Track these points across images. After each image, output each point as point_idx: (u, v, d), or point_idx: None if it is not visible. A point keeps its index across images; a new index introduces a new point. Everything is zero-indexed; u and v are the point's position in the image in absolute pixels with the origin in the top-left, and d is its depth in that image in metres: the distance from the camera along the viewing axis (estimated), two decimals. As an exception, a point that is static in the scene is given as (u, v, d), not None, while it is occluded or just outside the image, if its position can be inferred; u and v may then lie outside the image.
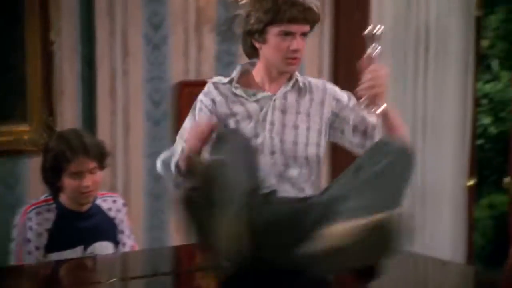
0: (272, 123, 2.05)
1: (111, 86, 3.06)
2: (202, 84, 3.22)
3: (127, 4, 3.06)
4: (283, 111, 2.06)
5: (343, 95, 2.13)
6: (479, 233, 5.46)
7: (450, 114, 3.56)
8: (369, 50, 1.96)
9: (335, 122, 2.11)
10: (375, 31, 1.95)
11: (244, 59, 3.27)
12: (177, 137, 2.13)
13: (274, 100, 2.07)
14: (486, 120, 5.76)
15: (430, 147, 3.52)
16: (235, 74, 2.13)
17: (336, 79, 3.19)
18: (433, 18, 3.48)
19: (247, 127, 2.03)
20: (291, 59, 2.02)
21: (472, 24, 3.52)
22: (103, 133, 3.02)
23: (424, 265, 2.43)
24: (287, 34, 1.99)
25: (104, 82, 3.05)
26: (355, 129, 2.08)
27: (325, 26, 3.38)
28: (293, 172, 2.05)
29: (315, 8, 2.01)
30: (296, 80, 2.10)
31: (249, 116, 2.05)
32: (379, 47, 1.94)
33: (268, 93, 2.07)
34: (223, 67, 3.25)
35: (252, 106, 2.06)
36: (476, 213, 4.50)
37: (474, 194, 3.76)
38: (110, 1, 3.03)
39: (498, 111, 5.77)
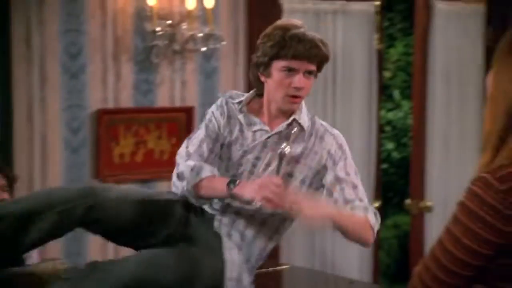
0: (257, 158, 2.00)
1: (28, 114, 3.06)
2: (121, 112, 3.30)
3: (44, 32, 3.08)
4: (273, 150, 1.99)
5: (338, 153, 2.01)
6: (385, 252, 5.71)
7: (357, 141, 3.75)
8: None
9: (317, 175, 2.01)
10: (280, 150, 1.93)
11: (162, 87, 3.37)
12: (186, 145, 2.05)
13: (268, 137, 2.00)
14: (390, 145, 6.07)
15: (338, 171, 3.69)
16: (245, 97, 2.06)
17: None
18: (339, 51, 3.69)
19: (236, 152, 2.01)
20: (292, 97, 1.96)
21: (374, 56, 3.75)
22: (20, 160, 3.02)
23: (334, 284, 2.56)
24: (290, 70, 1.94)
25: (21, 110, 3.05)
26: (328, 193, 1.98)
27: (240, 55, 3.51)
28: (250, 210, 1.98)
29: (322, 47, 1.96)
30: (294, 120, 2.01)
31: (241, 144, 2.01)
32: (282, 164, 1.93)
33: (266, 128, 2.01)
34: (141, 95, 3.32)
35: (248, 135, 2.02)
36: (382, 233, 4.72)
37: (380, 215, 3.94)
38: (27, 29, 3.04)
39: (400, 137, 6.10)
